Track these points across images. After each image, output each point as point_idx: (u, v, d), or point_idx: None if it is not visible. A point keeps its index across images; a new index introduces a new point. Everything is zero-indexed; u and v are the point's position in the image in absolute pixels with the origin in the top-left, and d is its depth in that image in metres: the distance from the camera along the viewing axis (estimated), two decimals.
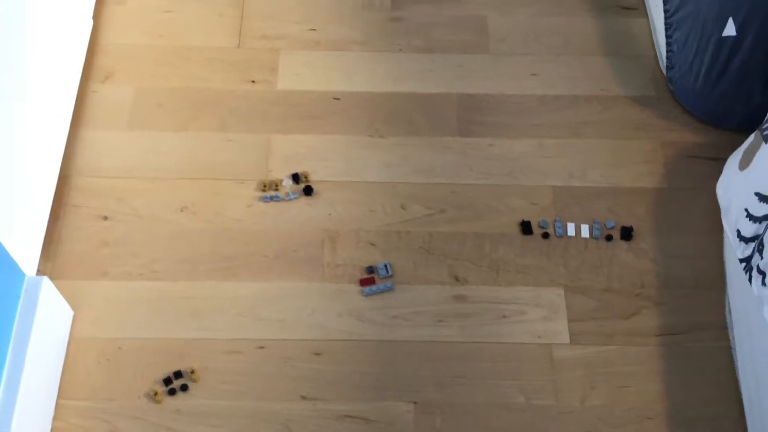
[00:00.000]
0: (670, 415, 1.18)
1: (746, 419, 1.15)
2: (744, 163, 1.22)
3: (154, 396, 1.17)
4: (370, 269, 1.28)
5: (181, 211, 1.32)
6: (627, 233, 1.32)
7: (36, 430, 1.11)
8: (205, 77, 1.45)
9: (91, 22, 1.45)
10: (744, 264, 1.14)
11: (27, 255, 1.15)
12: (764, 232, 1.10)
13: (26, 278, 1.12)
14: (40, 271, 1.24)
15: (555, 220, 1.33)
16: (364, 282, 1.27)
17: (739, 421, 1.17)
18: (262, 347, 1.21)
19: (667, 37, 1.42)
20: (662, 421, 1.17)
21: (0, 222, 1.07)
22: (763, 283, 1.07)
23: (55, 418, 1.15)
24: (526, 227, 1.32)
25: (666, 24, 1.41)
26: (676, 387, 1.20)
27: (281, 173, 1.36)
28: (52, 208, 1.27)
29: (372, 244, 1.30)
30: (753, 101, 1.35)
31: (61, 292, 1.19)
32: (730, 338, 1.23)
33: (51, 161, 1.28)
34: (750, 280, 1.11)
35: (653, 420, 1.17)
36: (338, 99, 1.44)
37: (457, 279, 1.28)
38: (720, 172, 1.28)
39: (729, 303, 1.24)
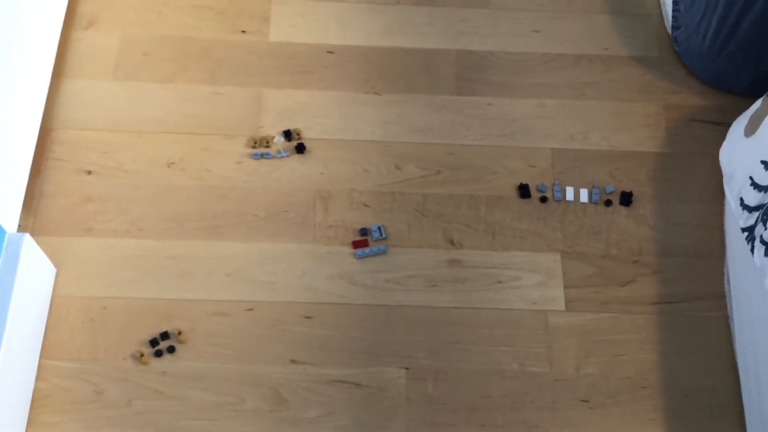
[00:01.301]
0: (665, 384, 1.16)
1: (741, 389, 1.14)
2: (750, 130, 1.19)
3: (140, 357, 1.14)
4: (363, 231, 1.24)
5: (168, 166, 1.28)
6: (627, 198, 1.29)
7: (18, 390, 1.08)
8: (194, 26, 1.39)
9: None
10: (746, 233, 1.12)
11: (7, 211, 1.11)
12: None
13: (6, 235, 1.08)
14: (21, 228, 1.20)
15: (554, 184, 1.30)
16: (356, 244, 1.23)
17: (734, 392, 1.16)
18: (251, 309, 1.18)
19: None
20: (657, 390, 1.16)
21: None
22: (767, 254, 1.05)
23: (37, 378, 1.12)
24: (523, 190, 1.29)
25: None
26: (672, 356, 1.18)
27: (272, 129, 1.32)
28: (33, 162, 1.22)
29: (365, 205, 1.27)
30: (761, 65, 1.31)
31: (43, 249, 1.15)
32: (728, 308, 1.21)
33: (32, 113, 1.22)
34: (752, 250, 1.09)
35: (648, 389, 1.16)
36: (332, 53, 1.39)
37: (452, 243, 1.25)
38: (724, 137, 1.25)
39: (728, 272, 1.22)
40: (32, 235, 1.16)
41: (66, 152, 1.27)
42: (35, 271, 1.13)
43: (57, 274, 1.19)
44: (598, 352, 1.18)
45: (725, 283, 1.23)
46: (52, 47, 1.29)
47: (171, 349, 1.15)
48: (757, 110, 1.19)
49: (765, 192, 1.10)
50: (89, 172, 1.26)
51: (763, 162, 1.11)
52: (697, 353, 1.19)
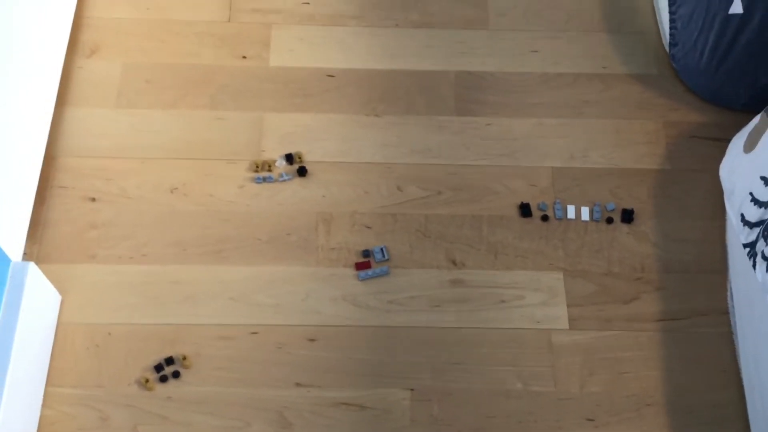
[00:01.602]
0: (669, 401, 1.16)
1: (747, 405, 1.14)
2: (749, 146, 1.19)
3: (145, 383, 1.14)
4: (366, 253, 1.25)
5: (171, 192, 1.29)
6: (628, 216, 1.29)
7: (24, 417, 1.09)
8: (195, 53, 1.41)
9: None
10: (748, 249, 1.12)
11: (12, 239, 1.12)
12: None
13: (11, 264, 1.09)
14: (26, 256, 1.21)
15: (554, 203, 1.30)
16: (359, 266, 1.24)
17: (740, 407, 1.16)
18: (255, 333, 1.19)
19: (671, 13, 1.38)
20: (662, 407, 1.16)
21: None
22: None
23: (43, 405, 1.13)
24: (525, 209, 1.29)
25: (670, 0, 1.37)
26: (676, 373, 1.18)
27: (274, 153, 1.33)
28: (37, 190, 1.23)
29: (367, 227, 1.27)
30: (759, 81, 1.32)
31: (48, 277, 1.16)
32: (732, 324, 1.21)
33: (36, 141, 1.24)
34: (754, 266, 1.09)
35: (653, 407, 1.16)
36: (333, 76, 1.40)
37: (454, 263, 1.25)
38: (723, 153, 1.26)
39: (731, 288, 1.22)
40: (37, 262, 1.17)
41: (70, 180, 1.29)
42: (40, 299, 1.14)
43: (62, 302, 1.19)
44: (602, 371, 1.18)
45: (728, 298, 1.23)
46: (55, 76, 1.31)
47: (176, 374, 1.15)
48: (756, 126, 1.20)
49: (765, 208, 1.10)
50: (93, 199, 1.27)
51: (762, 178, 1.12)
52: (701, 369, 1.18)
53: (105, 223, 1.26)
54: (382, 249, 1.25)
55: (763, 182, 1.11)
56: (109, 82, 1.37)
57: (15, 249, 1.12)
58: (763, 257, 1.07)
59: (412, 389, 1.16)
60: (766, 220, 1.09)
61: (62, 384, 1.14)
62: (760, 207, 1.11)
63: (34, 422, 1.11)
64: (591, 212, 1.30)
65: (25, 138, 1.20)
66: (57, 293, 1.19)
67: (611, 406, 1.16)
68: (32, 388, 1.11)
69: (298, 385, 1.16)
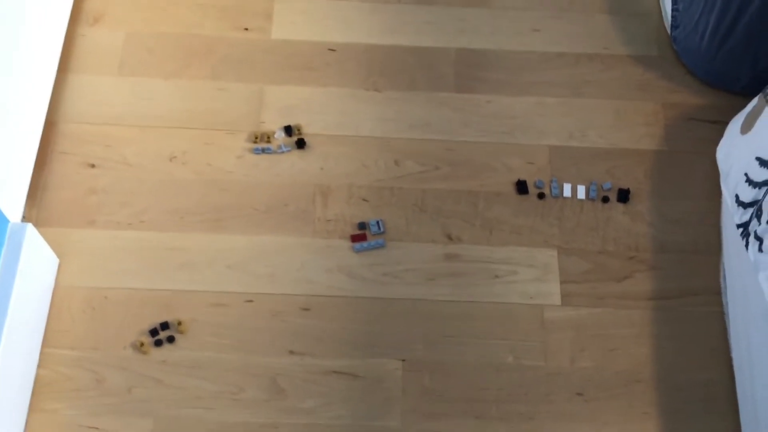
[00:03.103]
0: (659, 378, 1.17)
1: (736, 385, 1.15)
2: (746, 127, 1.19)
3: (140, 347, 1.16)
4: (362, 225, 1.26)
5: (171, 160, 1.29)
6: (624, 195, 1.30)
7: (20, 377, 1.10)
8: (197, 23, 1.41)
9: None
10: (741, 229, 1.12)
11: (11, 202, 1.13)
12: (763, 197, 1.08)
13: (10, 224, 1.10)
14: (26, 218, 1.22)
15: (551, 180, 1.31)
16: (355, 238, 1.25)
17: (729, 387, 1.17)
18: (250, 301, 1.20)
19: None
20: (651, 384, 1.17)
21: None
22: (760, 249, 1.06)
23: (39, 365, 1.14)
24: (521, 187, 1.30)
25: None
26: (667, 351, 1.19)
27: (273, 125, 1.33)
28: (38, 155, 1.24)
29: (364, 200, 1.28)
30: (759, 64, 1.32)
31: (47, 240, 1.17)
32: (723, 304, 1.22)
33: (37, 107, 1.24)
34: (747, 246, 1.10)
35: (642, 383, 1.17)
36: (334, 50, 1.41)
37: (449, 237, 1.26)
38: (722, 136, 1.26)
39: (724, 268, 1.23)
40: (36, 226, 1.19)
41: (70, 145, 1.30)
42: (38, 261, 1.15)
43: (60, 265, 1.21)
44: (593, 346, 1.19)
45: (721, 279, 1.24)
46: (58, 43, 1.31)
47: (171, 339, 1.17)
48: (753, 108, 1.20)
49: (759, 188, 1.11)
50: (93, 165, 1.28)
51: (757, 158, 1.12)
52: (692, 348, 1.19)
53: (104, 189, 1.27)
54: (378, 222, 1.26)
55: (758, 163, 1.12)
56: (111, 51, 1.38)
57: (14, 211, 1.13)
58: (756, 237, 1.08)
59: (404, 360, 1.17)
60: (759, 200, 1.10)
61: (58, 345, 1.16)
62: (755, 187, 1.11)
63: (30, 382, 1.13)
64: (587, 191, 1.30)
65: (27, 103, 1.21)
66: (55, 256, 1.20)
67: (601, 381, 1.17)
68: (28, 348, 1.13)
69: (291, 352, 1.17)
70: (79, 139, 1.30)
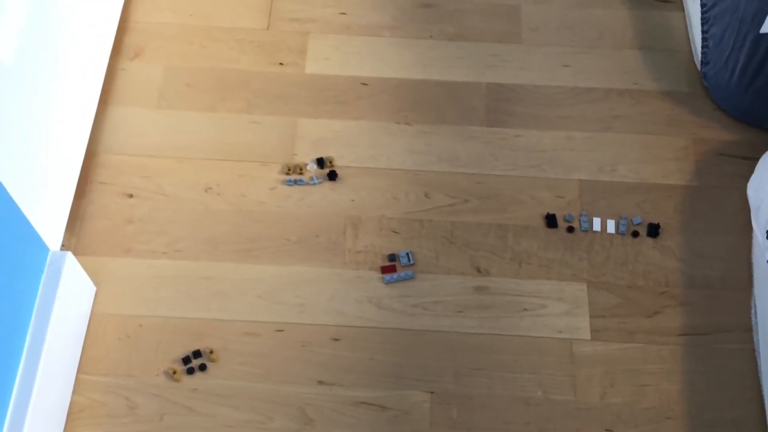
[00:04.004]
0: (690, 416, 1.16)
1: (767, 422, 1.14)
2: None
3: (172, 374, 1.18)
4: (392, 257, 1.27)
5: (206, 191, 1.32)
6: (654, 230, 1.30)
7: (55, 403, 1.13)
8: (234, 58, 1.45)
9: (122, 0, 1.45)
10: None
11: (52, 230, 1.16)
12: None
13: (50, 253, 1.13)
14: (65, 247, 1.25)
15: (581, 214, 1.31)
16: (385, 269, 1.26)
17: (760, 425, 1.15)
18: (280, 330, 1.22)
19: (703, 32, 1.39)
20: (682, 421, 1.16)
21: (26, 197, 1.07)
22: None
23: (74, 392, 1.17)
24: (551, 220, 1.31)
25: (702, 19, 1.38)
26: (698, 388, 1.18)
27: (306, 157, 1.36)
28: (78, 185, 1.27)
29: (394, 232, 1.30)
30: None
31: (84, 268, 1.20)
32: (755, 341, 1.21)
33: (78, 138, 1.28)
34: None
35: (673, 420, 1.16)
36: (366, 84, 1.43)
37: (478, 270, 1.27)
38: (752, 171, 1.26)
39: (755, 305, 1.22)
40: (74, 254, 1.22)
41: (109, 176, 1.33)
42: (76, 289, 1.18)
43: (96, 292, 1.23)
44: (623, 382, 1.19)
45: (752, 315, 1.23)
46: (99, 76, 1.36)
47: (203, 367, 1.18)
48: None
49: None
50: (131, 196, 1.32)
51: None
52: (722, 385, 1.18)
53: (141, 218, 1.30)
54: (408, 254, 1.27)
55: None
56: (150, 84, 1.42)
57: (54, 239, 1.17)
58: None
59: (432, 392, 1.18)
60: None
61: (93, 372, 1.18)
62: None
63: (64, 408, 1.15)
64: (617, 225, 1.31)
65: (68, 134, 1.25)
66: (92, 284, 1.23)
67: (631, 417, 1.16)
68: (64, 374, 1.15)
69: (320, 383, 1.18)
70: (118, 169, 1.34)
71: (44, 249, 1.13)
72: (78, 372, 1.18)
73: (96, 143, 1.36)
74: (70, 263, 1.15)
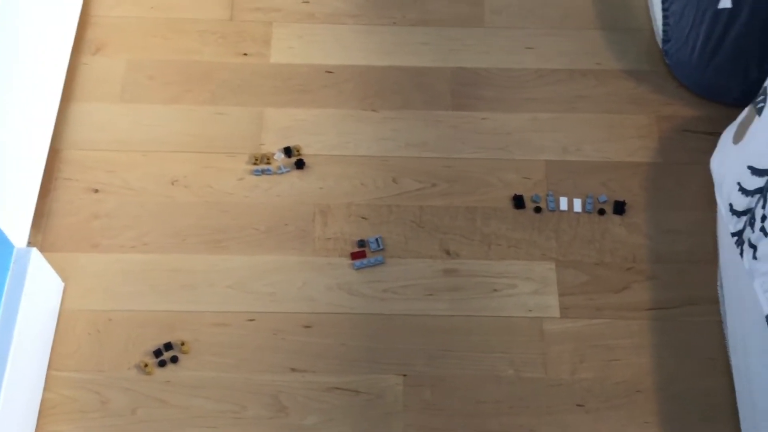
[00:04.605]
0: (659, 388, 1.18)
1: (736, 392, 1.15)
2: (738, 137, 1.21)
3: (144, 367, 1.17)
4: (361, 243, 1.28)
5: (172, 184, 1.32)
6: (620, 207, 1.31)
7: (26, 401, 1.12)
8: (197, 50, 1.44)
9: None
10: (736, 238, 1.13)
11: (17, 227, 1.15)
12: (756, 205, 1.09)
13: (15, 250, 1.12)
14: (31, 244, 1.24)
15: (547, 195, 1.32)
16: (354, 255, 1.26)
17: (729, 395, 1.17)
18: (252, 320, 1.22)
19: (664, 10, 1.40)
20: (652, 394, 1.17)
21: None
22: (754, 257, 1.07)
23: (45, 389, 1.16)
24: (518, 201, 1.32)
25: None
26: (667, 361, 1.20)
27: (273, 147, 1.36)
28: (42, 182, 1.26)
29: (363, 218, 1.30)
30: (749, 75, 1.34)
31: (51, 264, 1.19)
32: (721, 312, 1.22)
33: (41, 134, 1.27)
34: (741, 254, 1.11)
35: (643, 393, 1.17)
36: (331, 72, 1.43)
37: (448, 253, 1.28)
38: (715, 146, 1.27)
39: (721, 277, 1.24)
40: (41, 250, 1.21)
41: (74, 172, 1.32)
42: (43, 285, 1.17)
43: (64, 288, 1.23)
44: (593, 358, 1.20)
45: (718, 287, 1.25)
46: (61, 72, 1.34)
47: (174, 359, 1.18)
48: (744, 118, 1.22)
49: (752, 196, 1.12)
50: (96, 191, 1.31)
51: (749, 167, 1.14)
52: (691, 357, 1.20)
53: (108, 213, 1.29)
54: (377, 239, 1.28)
55: (750, 171, 1.13)
56: (113, 78, 1.41)
57: (19, 236, 1.16)
58: (750, 245, 1.09)
59: (405, 375, 1.18)
60: (752, 208, 1.11)
61: (64, 368, 1.17)
62: (747, 195, 1.13)
63: (35, 405, 1.14)
64: (583, 204, 1.32)
65: (32, 131, 1.24)
66: (60, 280, 1.22)
67: (601, 392, 1.17)
68: (34, 371, 1.14)
69: (293, 370, 1.18)
70: (83, 165, 1.33)
71: (9, 246, 1.12)
72: (48, 368, 1.17)
73: (60, 139, 1.35)
74: (36, 260, 1.14)
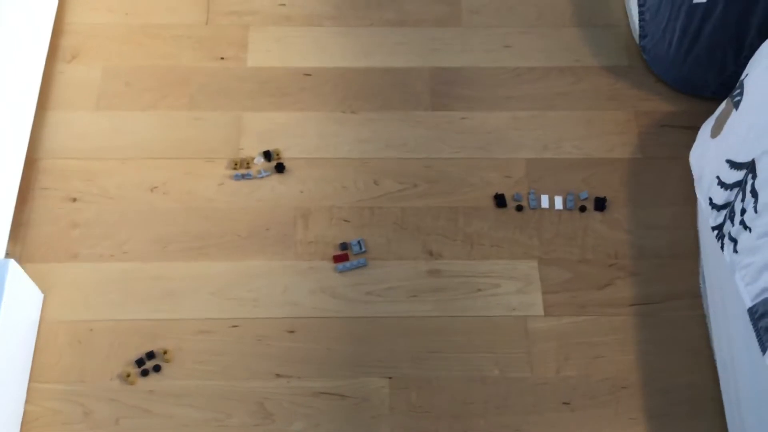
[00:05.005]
0: (644, 384, 1.18)
1: (720, 386, 1.16)
2: (716, 131, 1.21)
3: (126, 377, 1.16)
4: (344, 246, 1.27)
5: (152, 191, 1.31)
6: (601, 204, 1.31)
7: (8, 413, 1.10)
8: (173, 55, 1.43)
9: (56, 1, 1.42)
10: (716, 231, 1.14)
11: None
12: (735, 198, 1.10)
13: None
14: (9, 255, 1.23)
15: (529, 193, 1.32)
16: (337, 258, 1.26)
17: (713, 388, 1.17)
18: (235, 326, 1.21)
19: (640, 5, 1.41)
20: (637, 390, 1.18)
21: None
22: (735, 250, 1.07)
23: (27, 401, 1.14)
24: (499, 200, 1.31)
25: None
26: (651, 356, 1.20)
27: (252, 151, 1.35)
28: (19, 192, 1.25)
29: (345, 221, 1.29)
30: (726, 69, 1.34)
31: (31, 275, 1.18)
32: (704, 307, 1.23)
33: (17, 144, 1.26)
34: (722, 247, 1.11)
35: (628, 389, 1.18)
36: (309, 75, 1.43)
37: (431, 253, 1.27)
38: (694, 141, 1.28)
39: (703, 271, 1.24)
40: (20, 262, 1.19)
41: (52, 181, 1.31)
42: (22, 297, 1.16)
43: (44, 299, 1.21)
44: (577, 355, 1.20)
45: (701, 282, 1.25)
46: (36, 80, 1.33)
47: (157, 368, 1.17)
48: (721, 112, 1.22)
49: (731, 190, 1.12)
50: (74, 200, 1.30)
51: (728, 161, 1.14)
52: (675, 352, 1.20)
53: (86, 222, 1.28)
54: (359, 242, 1.27)
55: (728, 165, 1.13)
56: (89, 86, 1.39)
57: None
58: (730, 238, 1.09)
59: (390, 377, 1.18)
60: (731, 201, 1.11)
61: (45, 380, 1.16)
62: (726, 189, 1.13)
63: (18, 418, 1.13)
64: (564, 201, 1.32)
65: (7, 141, 1.22)
66: (39, 291, 1.20)
67: (587, 389, 1.18)
68: (15, 384, 1.13)
69: (278, 376, 1.17)
70: (60, 174, 1.31)
71: None
72: (30, 380, 1.16)
73: (36, 149, 1.33)
74: (14, 271, 1.12)
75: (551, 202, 1.32)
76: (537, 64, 1.45)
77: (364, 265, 1.26)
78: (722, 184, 1.14)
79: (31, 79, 1.32)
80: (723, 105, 1.23)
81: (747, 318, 1.03)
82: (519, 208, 1.31)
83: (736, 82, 1.32)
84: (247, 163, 1.33)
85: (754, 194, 1.04)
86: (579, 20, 1.50)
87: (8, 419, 1.11)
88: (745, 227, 1.05)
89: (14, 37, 1.26)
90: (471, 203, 1.31)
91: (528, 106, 1.41)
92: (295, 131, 1.37)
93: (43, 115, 1.36)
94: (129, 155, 1.33)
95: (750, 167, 1.06)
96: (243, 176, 1.32)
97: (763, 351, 0.98)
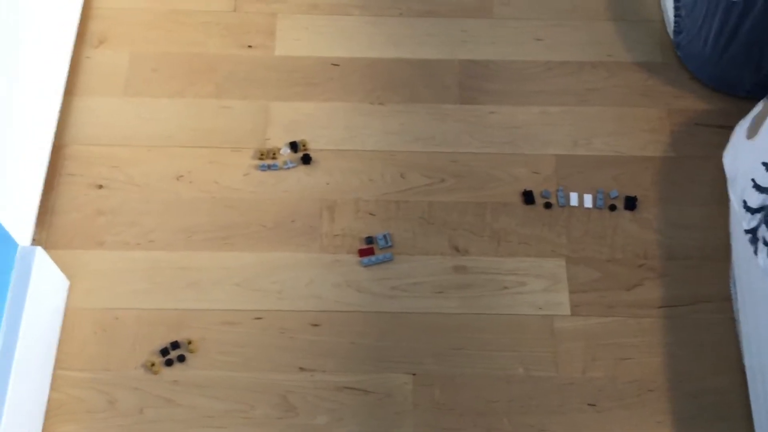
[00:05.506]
0: (672, 387, 1.17)
1: (749, 391, 1.14)
2: (751, 132, 1.19)
3: (151, 367, 1.16)
4: (369, 239, 1.26)
5: (177, 179, 1.30)
6: (631, 203, 1.29)
7: (32, 401, 1.11)
8: (201, 42, 1.42)
9: None
10: (750, 235, 1.12)
11: (20, 225, 1.14)
12: None
13: (19, 248, 1.11)
14: (35, 242, 1.23)
15: (557, 190, 1.31)
16: (362, 252, 1.25)
17: (742, 393, 1.16)
18: (259, 318, 1.20)
19: (675, 1, 1.38)
20: (664, 393, 1.16)
21: None
22: None
23: (51, 388, 1.15)
24: (528, 197, 1.30)
25: None
26: (679, 359, 1.18)
27: (279, 141, 1.34)
28: (46, 178, 1.25)
29: (371, 214, 1.28)
30: (762, 68, 1.32)
31: (56, 262, 1.18)
32: (734, 310, 1.21)
33: (44, 130, 1.26)
34: (756, 251, 1.09)
35: (655, 392, 1.16)
36: (337, 65, 1.41)
37: (457, 249, 1.26)
38: (728, 140, 1.25)
39: (734, 274, 1.22)
40: (45, 248, 1.19)
41: (78, 167, 1.30)
42: (48, 284, 1.16)
43: (70, 287, 1.21)
44: (604, 356, 1.19)
45: (731, 285, 1.23)
46: (63, 66, 1.32)
47: (181, 358, 1.17)
48: (759, 112, 1.20)
49: (767, 193, 1.10)
50: (101, 187, 1.29)
51: (764, 164, 1.12)
52: (703, 355, 1.19)
53: (112, 210, 1.27)
54: (385, 236, 1.26)
55: (764, 168, 1.11)
56: (116, 72, 1.39)
57: (23, 234, 1.14)
58: (765, 243, 1.07)
59: (414, 374, 1.17)
60: (767, 205, 1.09)
61: (70, 367, 1.16)
62: (762, 192, 1.11)
63: (42, 405, 1.13)
64: (594, 199, 1.30)
65: (34, 127, 1.22)
66: (65, 278, 1.20)
67: (613, 391, 1.16)
68: (40, 371, 1.13)
69: (301, 369, 1.17)
70: (87, 161, 1.31)
71: (13, 245, 1.10)
72: (55, 368, 1.16)
73: (63, 135, 1.33)
74: (41, 258, 1.12)
75: (580, 199, 1.30)
76: (569, 59, 1.42)
77: (389, 260, 1.25)
78: (758, 187, 1.12)
79: (59, 64, 1.31)
80: (760, 106, 1.20)
81: None
82: (547, 206, 1.29)
83: None
84: (273, 154, 1.32)
85: None
86: (613, 14, 1.47)
87: (33, 406, 1.11)
88: None
89: (42, 22, 1.25)
90: (498, 199, 1.30)
91: (558, 101, 1.38)
92: (322, 122, 1.36)
93: (70, 101, 1.36)
94: (155, 143, 1.33)
95: None
96: (269, 167, 1.31)
97: None
